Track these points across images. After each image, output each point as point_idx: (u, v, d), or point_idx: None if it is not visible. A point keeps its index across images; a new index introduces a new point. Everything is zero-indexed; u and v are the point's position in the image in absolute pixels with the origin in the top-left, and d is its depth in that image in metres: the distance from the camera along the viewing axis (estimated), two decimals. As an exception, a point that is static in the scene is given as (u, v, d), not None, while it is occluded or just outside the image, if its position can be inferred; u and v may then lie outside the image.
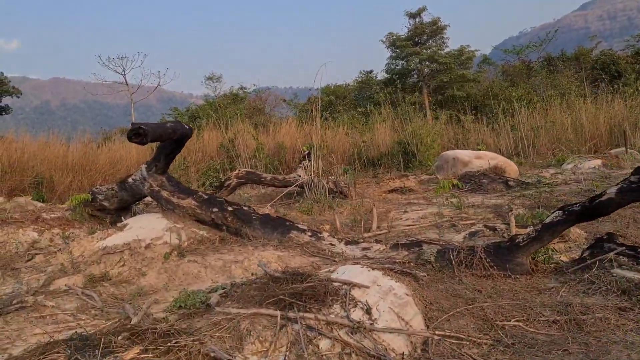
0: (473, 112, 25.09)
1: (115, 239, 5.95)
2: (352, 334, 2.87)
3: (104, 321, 3.72)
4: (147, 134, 5.10)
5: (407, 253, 4.48)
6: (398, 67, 34.33)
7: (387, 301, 3.18)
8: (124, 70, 23.83)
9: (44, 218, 7.50)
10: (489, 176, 9.16)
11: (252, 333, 2.89)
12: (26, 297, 4.26)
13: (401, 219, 7.01)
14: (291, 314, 2.97)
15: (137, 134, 5.12)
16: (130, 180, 6.89)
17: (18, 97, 36.06)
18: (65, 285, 4.89)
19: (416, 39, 33.58)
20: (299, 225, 5.49)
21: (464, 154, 10.25)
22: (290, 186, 9.52)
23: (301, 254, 4.97)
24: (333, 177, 9.35)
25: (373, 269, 3.62)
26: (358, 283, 3.25)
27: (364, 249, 4.84)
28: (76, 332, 3.38)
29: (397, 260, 4.43)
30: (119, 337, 2.98)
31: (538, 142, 16.62)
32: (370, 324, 2.95)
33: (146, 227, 6.04)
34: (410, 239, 5.00)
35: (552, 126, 17.31)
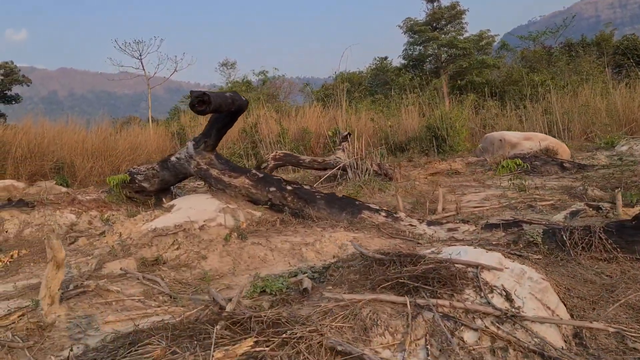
0: (494, 97, 24.49)
1: (164, 220, 5.53)
2: (499, 323, 2.42)
3: (181, 308, 3.29)
4: (210, 102, 4.64)
5: (503, 234, 4.02)
6: (415, 53, 33.69)
7: (524, 286, 2.72)
8: (140, 55, 23.32)
9: (79, 200, 7.08)
10: (542, 158, 8.65)
11: (378, 323, 2.44)
12: (85, 282, 3.84)
13: (461, 201, 6.53)
14: (420, 301, 2.51)
15: (201, 102, 4.67)
16: (173, 159, 6.45)
17: (28, 86, 35.77)
18: (121, 269, 4.46)
19: (434, 24, 32.89)
20: (370, 205, 5.04)
21: (511, 135, 9.75)
22: (330, 168, 9.06)
23: (378, 236, 4.52)
24: (377, 159, 8.88)
25: (487, 250, 3.16)
26: (488, 265, 2.79)
27: (449, 229, 4.38)
28: (164, 320, 2.96)
29: (493, 242, 3.97)
30: (217, 327, 2.55)
31: (572, 127, 16.05)
32: (516, 312, 2.49)
33: (196, 208, 5.60)
34: (504, 218, 4.53)
35: (585, 110, 16.72)
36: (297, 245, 4.56)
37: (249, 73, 29.61)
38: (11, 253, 5.46)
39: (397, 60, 34.86)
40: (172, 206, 5.90)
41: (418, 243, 4.27)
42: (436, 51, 32.20)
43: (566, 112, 16.36)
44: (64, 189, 12.66)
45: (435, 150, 13.85)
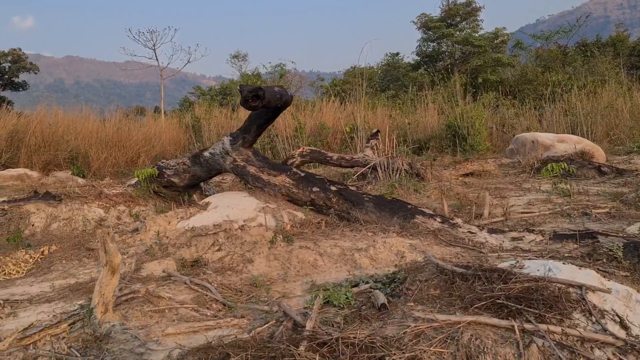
0: (509, 96, 24.16)
1: (202, 219, 5.29)
2: (622, 355, 2.17)
3: (244, 320, 3.05)
4: (264, 97, 4.39)
5: (576, 246, 3.77)
6: (429, 50, 33.32)
7: (635, 311, 2.48)
8: (154, 45, 23.03)
9: (106, 194, 6.85)
10: (577, 161, 8.38)
11: (484, 350, 2.20)
12: (134, 286, 3.61)
13: (503, 205, 6.27)
14: (528, 326, 2.27)
15: (255, 97, 4.42)
16: (207, 154, 6.21)
17: (35, 74, 35.54)
18: (164, 271, 4.23)
19: (449, 21, 32.47)
20: (424, 210, 4.79)
21: (544, 136, 9.48)
22: (358, 166, 8.81)
23: (437, 243, 4.27)
24: (407, 158, 8.63)
25: (580, 266, 2.92)
26: (593, 286, 2.55)
27: (513, 239, 4.14)
28: (231, 335, 2.72)
29: (565, 255, 3.72)
30: (301, 349, 2.31)
31: (595, 128, 15.75)
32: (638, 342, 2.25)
33: (235, 206, 5.37)
34: (573, 229, 4.28)
35: (608, 112, 16.39)
36: (349, 251, 4.32)
37: (259, 66, 29.37)
38: (42, 249, 5.24)
39: (409, 57, 34.52)
40: (207, 204, 5.66)
41: (481, 252, 4.03)
42: (450, 48, 31.82)
43: (589, 114, 16.05)
44: (80, 180, 12.47)
45: (458, 149, 13.59)
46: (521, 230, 4.33)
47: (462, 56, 31.98)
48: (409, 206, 4.83)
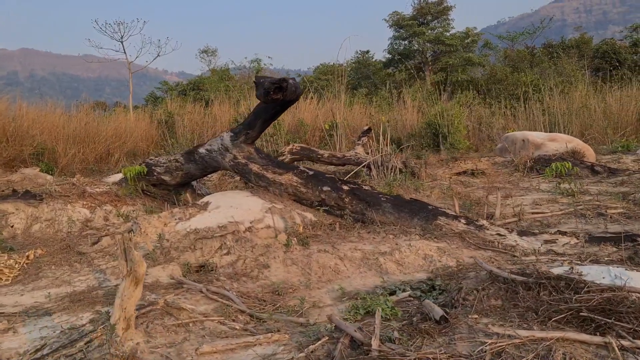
0: (480, 96, 24.37)
1: (204, 220, 4.94)
2: None
3: (285, 336, 2.74)
4: (287, 89, 4.08)
5: (614, 249, 3.62)
6: (400, 48, 33.37)
7: None
8: (122, 37, 22.17)
9: (90, 193, 6.39)
10: (569, 160, 8.34)
11: (583, 370, 1.97)
12: (147, 296, 3.25)
13: (508, 205, 6.13)
14: (626, 343, 2.05)
15: (278, 89, 4.09)
16: (202, 150, 5.84)
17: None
18: (172, 277, 3.88)
19: (421, 19, 32.59)
20: (446, 211, 4.56)
21: (535, 135, 9.44)
22: (350, 164, 8.57)
23: (465, 246, 4.06)
24: (403, 156, 8.43)
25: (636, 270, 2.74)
26: (678, 295, 2.36)
27: (546, 241, 3.95)
28: (276, 353, 2.43)
29: (605, 258, 3.56)
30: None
31: (571, 128, 15.96)
32: None
33: (239, 207, 5.03)
34: (611, 232, 4.13)
35: (583, 111, 16.66)
36: (371, 254, 4.05)
37: (229, 61, 28.88)
38: (27, 253, 4.78)
39: (381, 54, 34.52)
40: (206, 204, 5.30)
41: (514, 256, 3.83)
42: (422, 47, 31.93)
43: (565, 113, 16.26)
44: (49, 177, 11.81)
45: (442, 148, 13.51)
46: (553, 232, 4.17)
47: (433, 55, 32.16)
48: (430, 207, 4.60)
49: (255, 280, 3.86)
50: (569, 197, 6.37)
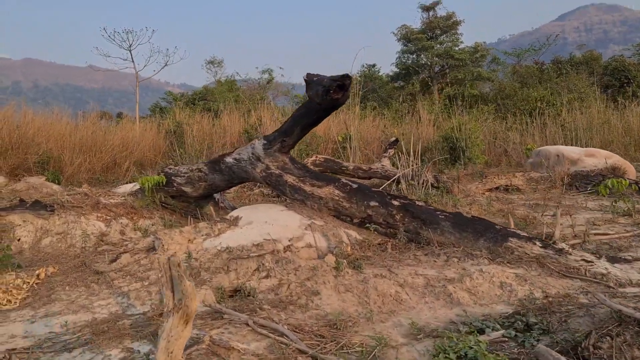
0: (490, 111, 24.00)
1: (235, 237, 4.41)
2: None
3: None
4: (347, 88, 3.59)
5: None
6: (409, 62, 33.10)
7: None
8: (130, 46, 21.78)
9: (104, 204, 5.87)
10: (609, 177, 7.83)
11: None
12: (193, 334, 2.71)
13: (561, 224, 5.60)
14: None
15: (340, 87, 3.59)
16: (230, 160, 5.33)
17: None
18: (210, 305, 3.34)
19: (429, 33, 32.34)
20: (518, 231, 4.04)
21: (570, 150, 8.94)
22: (377, 177, 8.06)
23: (547, 274, 3.52)
24: (433, 170, 7.92)
25: None
26: None
27: (642, 269, 3.44)
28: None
29: None
30: None
31: (591, 144, 15.50)
32: None
33: (275, 222, 4.50)
34: None
35: (604, 128, 16.22)
36: (436, 281, 3.52)
37: (234, 72, 28.57)
38: (37, 272, 4.25)
39: (388, 68, 34.24)
40: (236, 218, 4.78)
41: (608, 287, 3.30)
42: (430, 61, 31.64)
43: (587, 129, 15.82)
44: (55, 187, 11.31)
45: (463, 161, 13.03)
46: (646, 258, 3.65)
47: (441, 69, 31.89)
48: (497, 227, 4.08)
49: (305, 309, 3.32)
50: (626, 216, 5.86)
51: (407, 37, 32.41)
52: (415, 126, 16.76)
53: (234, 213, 4.94)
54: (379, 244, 4.31)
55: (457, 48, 31.62)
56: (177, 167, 6.03)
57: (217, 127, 17.38)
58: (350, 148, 14.57)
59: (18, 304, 3.76)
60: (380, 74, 35.54)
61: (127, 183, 11.81)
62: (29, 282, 4.10)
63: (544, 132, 17.27)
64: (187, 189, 5.76)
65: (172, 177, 5.89)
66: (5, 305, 3.75)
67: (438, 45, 31.66)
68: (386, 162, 8.61)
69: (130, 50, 22.22)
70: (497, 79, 32.00)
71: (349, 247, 4.10)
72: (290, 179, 4.79)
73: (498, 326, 2.78)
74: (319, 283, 3.58)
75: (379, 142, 16.60)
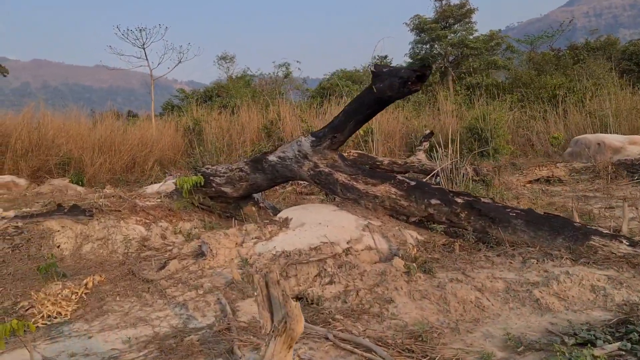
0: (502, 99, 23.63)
1: (289, 240, 4.19)
2: None
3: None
4: (426, 78, 3.35)
5: None
6: (422, 52, 32.69)
7: None
8: (143, 44, 21.57)
9: (142, 207, 5.67)
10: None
11: None
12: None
13: (619, 217, 5.32)
14: None
15: (420, 78, 3.35)
16: (273, 158, 5.10)
17: (5, 76, 33.61)
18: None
19: (443, 23, 31.89)
20: (600, 229, 3.77)
21: (612, 138, 8.63)
22: (414, 172, 7.80)
23: (641, 275, 3.26)
24: (473, 163, 7.66)
25: None
26: None
27: None
28: None
29: None
30: None
31: (620, 132, 15.12)
32: None
33: (329, 224, 4.27)
34: None
35: (632, 114, 15.80)
36: (518, 285, 3.27)
37: (246, 68, 28.35)
38: (85, 281, 4.05)
39: (401, 59, 33.85)
40: (286, 220, 4.55)
41: None
42: (446, 50, 31.20)
43: (614, 115, 15.42)
44: (80, 188, 11.18)
45: (491, 153, 12.72)
46: None
47: (456, 59, 31.47)
48: (576, 224, 3.81)
49: (381, 319, 3.09)
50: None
51: (420, 27, 31.99)
52: (437, 117, 16.44)
53: (283, 214, 4.71)
54: (444, 244, 4.07)
55: (471, 37, 31.17)
56: (214, 167, 5.82)
57: (235, 123, 17.17)
58: (372, 141, 14.31)
59: (69, 316, 3.57)
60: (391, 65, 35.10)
61: (152, 183, 11.64)
62: (77, 292, 3.90)
63: (566, 120, 16.95)
64: (227, 189, 5.54)
65: (211, 178, 5.68)
66: (56, 318, 3.56)
67: (452, 35, 31.23)
68: (421, 156, 8.35)
69: (144, 48, 22.02)
70: (514, 66, 31.52)
71: (415, 249, 3.86)
72: (341, 177, 4.55)
73: (608, 337, 2.53)
74: (390, 289, 3.35)
75: (401, 134, 16.32)
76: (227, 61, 33.60)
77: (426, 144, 8.80)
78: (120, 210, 5.41)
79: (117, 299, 3.81)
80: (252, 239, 4.41)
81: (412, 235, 4.21)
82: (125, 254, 4.82)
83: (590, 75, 25.22)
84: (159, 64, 21.92)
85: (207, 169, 5.86)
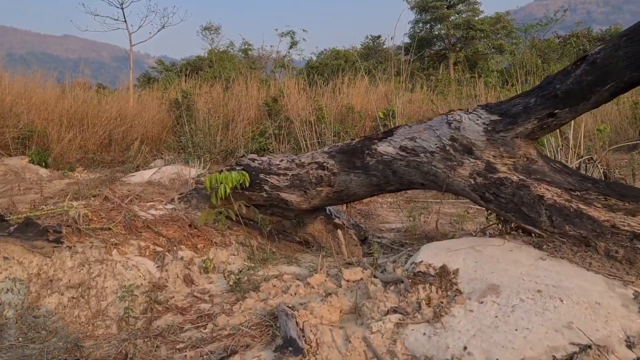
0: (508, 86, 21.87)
1: (487, 330, 1.99)
2: None
3: None
4: None
5: None
6: (422, 33, 30.63)
7: None
8: (122, 3, 18.76)
9: (144, 219, 3.35)
10: None
11: None
12: None
13: None
14: None
15: None
16: (389, 149, 2.86)
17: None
18: None
19: (447, 1, 29.78)
20: None
21: None
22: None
23: None
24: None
25: None
26: None
27: None
28: None
29: None
30: None
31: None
32: None
33: (560, 293, 2.07)
34: None
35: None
36: None
37: (231, 40, 25.89)
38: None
39: (398, 39, 31.76)
40: (447, 274, 2.33)
41: None
42: (447, 32, 29.12)
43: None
44: (42, 171, 8.73)
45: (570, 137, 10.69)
46: None
47: (457, 41, 29.47)
48: None
49: None
50: None
51: (421, 5, 29.79)
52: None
53: (430, 259, 2.47)
54: None
55: (477, 18, 29.22)
56: (266, 158, 3.53)
57: (232, 98, 14.67)
58: (393, 125, 12.05)
59: None
60: (385, 46, 32.97)
61: (138, 169, 9.24)
62: None
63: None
64: (293, 197, 3.28)
65: (261, 175, 3.40)
66: None
67: (456, 15, 29.22)
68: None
69: (122, 8, 19.17)
70: (520, 52, 29.75)
71: None
72: (549, 192, 2.35)
73: None
74: None
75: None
76: (211, 32, 30.90)
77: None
78: (110, 229, 3.08)
79: None
80: (380, 310, 2.18)
81: None
82: (122, 321, 2.52)
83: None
84: (139, 27, 19.13)
85: (253, 160, 3.57)
